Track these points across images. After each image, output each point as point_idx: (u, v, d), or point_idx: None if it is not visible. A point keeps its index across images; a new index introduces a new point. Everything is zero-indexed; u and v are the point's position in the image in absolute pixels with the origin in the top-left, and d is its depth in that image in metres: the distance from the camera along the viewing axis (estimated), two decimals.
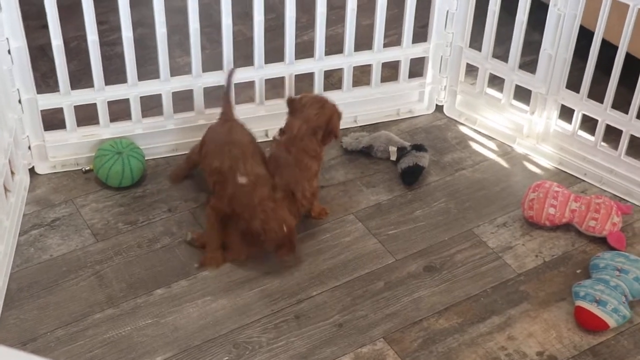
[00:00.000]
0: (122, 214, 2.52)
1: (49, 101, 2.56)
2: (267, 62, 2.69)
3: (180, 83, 2.65)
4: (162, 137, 2.71)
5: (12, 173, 2.48)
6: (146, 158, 2.64)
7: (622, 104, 2.55)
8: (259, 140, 2.73)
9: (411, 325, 2.24)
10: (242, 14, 3.00)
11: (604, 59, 2.53)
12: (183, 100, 2.70)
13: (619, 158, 2.60)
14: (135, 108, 2.64)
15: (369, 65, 2.81)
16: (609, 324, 2.21)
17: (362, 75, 2.91)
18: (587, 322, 2.22)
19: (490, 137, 2.84)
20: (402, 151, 2.69)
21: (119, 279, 2.33)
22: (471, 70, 2.86)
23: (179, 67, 3.00)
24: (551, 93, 2.66)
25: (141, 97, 2.63)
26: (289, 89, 2.75)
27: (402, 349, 2.18)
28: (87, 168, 2.65)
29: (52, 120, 2.64)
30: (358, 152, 2.76)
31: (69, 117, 2.60)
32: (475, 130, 2.87)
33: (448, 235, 2.49)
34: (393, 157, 2.70)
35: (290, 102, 2.50)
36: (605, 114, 2.57)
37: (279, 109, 2.64)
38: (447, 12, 2.74)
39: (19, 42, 2.40)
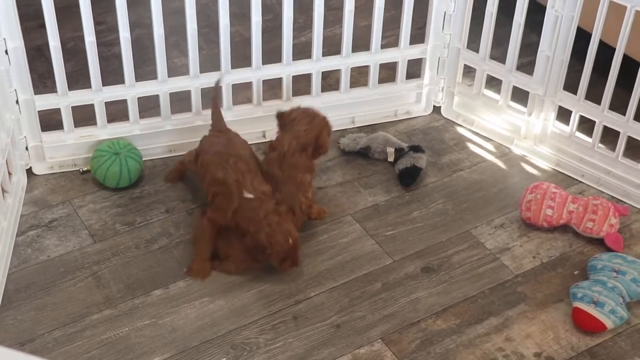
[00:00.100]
0: (120, 215, 2.52)
1: (46, 102, 2.56)
2: (264, 63, 2.69)
3: (178, 84, 2.65)
4: (160, 137, 2.71)
5: (10, 174, 2.48)
6: (144, 159, 2.64)
7: (619, 105, 2.55)
8: (257, 141, 2.74)
9: (409, 326, 2.24)
10: (240, 15, 3.00)
11: (602, 60, 2.53)
12: (180, 101, 2.70)
13: (617, 159, 2.60)
14: (132, 109, 2.63)
15: (367, 67, 2.81)
16: (607, 325, 2.21)
17: (359, 77, 2.91)
18: (584, 324, 2.23)
19: (488, 139, 2.84)
20: (399, 152, 2.69)
21: (116, 279, 2.33)
22: (469, 71, 2.86)
23: (177, 68, 3.00)
24: (549, 94, 2.66)
25: (139, 98, 2.63)
26: (287, 90, 2.75)
27: (399, 350, 2.18)
28: (85, 169, 2.64)
29: (50, 121, 2.64)
30: (355, 153, 2.76)
31: (67, 118, 2.59)
32: (473, 132, 2.87)
33: (445, 237, 2.49)
34: (390, 158, 2.70)
35: (280, 117, 2.50)
36: (603, 115, 2.57)
37: (276, 110, 2.63)
38: (445, 13, 2.74)
39: (16, 43, 2.39)
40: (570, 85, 2.62)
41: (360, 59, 2.79)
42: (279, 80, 2.74)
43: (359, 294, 2.32)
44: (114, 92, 2.60)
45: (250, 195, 2.28)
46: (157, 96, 2.64)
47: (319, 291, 2.32)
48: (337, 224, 2.52)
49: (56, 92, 2.55)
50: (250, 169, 2.35)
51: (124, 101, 2.62)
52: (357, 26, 2.73)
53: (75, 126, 2.63)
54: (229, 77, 2.67)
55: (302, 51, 2.88)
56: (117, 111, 2.68)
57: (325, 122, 2.48)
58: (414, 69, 2.88)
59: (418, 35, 2.84)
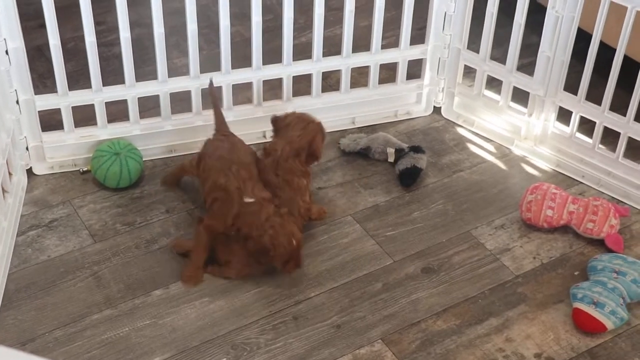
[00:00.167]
0: (120, 215, 2.52)
1: (46, 102, 2.56)
2: (264, 63, 2.69)
3: (178, 84, 2.65)
4: (160, 138, 2.71)
5: (10, 174, 2.48)
6: (144, 159, 2.64)
7: (620, 106, 2.55)
8: (257, 142, 2.74)
9: (409, 326, 2.24)
10: (240, 15, 3.00)
11: (602, 61, 2.53)
12: (181, 102, 2.70)
13: (617, 160, 2.60)
14: (132, 109, 2.63)
15: (367, 67, 2.81)
16: (607, 326, 2.21)
17: (360, 77, 2.90)
18: (584, 324, 2.23)
19: (488, 139, 2.84)
20: (399, 153, 2.69)
21: (116, 279, 2.33)
22: (469, 72, 2.86)
23: (177, 68, 3.00)
24: (549, 95, 2.66)
25: (139, 98, 2.63)
26: (287, 91, 2.75)
27: (400, 351, 2.18)
28: (85, 169, 2.64)
29: (50, 121, 2.64)
30: (356, 153, 2.76)
31: (67, 118, 2.59)
32: (473, 132, 2.87)
33: (446, 237, 2.49)
34: (391, 159, 2.70)
35: (275, 122, 2.50)
36: (603, 116, 2.57)
37: (276, 110, 2.64)
38: (445, 14, 2.74)
39: (17, 43, 2.39)
40: (571, 86, 2.62)
41: (361, 59, 2.79)
42: (279, 80, 2.74)
43: (359, 294, 2.32)
44: (114, 92, 2.60)
45: (250, 200, 2.28)
46: (157, 96, 2.64)
47: (319, 291, 2.32)
48: (338, 225, 2.52)
49: (56, 92, 2.55)
50: (252, 177, 2.34)
51: (124, 101, 2.62)
52: (358, 26, 2.73)
53: (76, 126, 2.63)
54: (230, 77, 2.67)
55: (302, 51, 2.88)
56: (117, 111, 2.68)
57: (320, 128, 2.48)
58: (414, 70, 2.88)
59: (418, 36, 2.84)
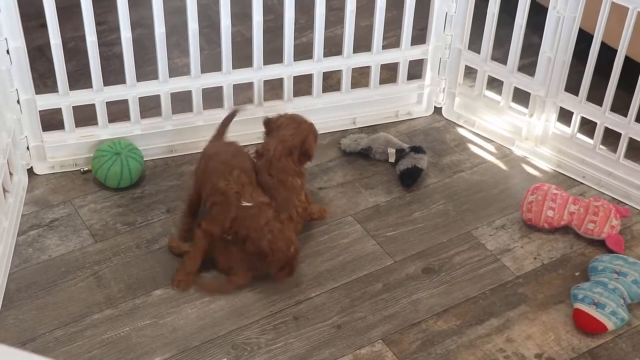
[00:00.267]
0: (121, 215, 2.52)
1: (47, 102, 2.56)
2: (265, 63, 2.69)
3: (179, 84, 2.65)
4: (161, 138, 2.71)
5: (11, 174, 2.48)
6: (145, 159, 2.64)
7: (620, 106, 2.55)
8: (258, 142, 2.73)
9: (410, 327, 2.24)
10: (241, 15, 3.00)
11: (603, 61, 2.53)
12: (181, 102, 2.70)
13: (618, 161, 2.60)
14: (133, 109, 2.63)
15: (368, 67, 2.81)
16: (607, 326, 2.21)
17: (360, 77, 2.91)
18: (585, 325, 2.23)
19: (489, 140, 2.84)
20: (400, 153, 2.69)
21: (117, 279, 2.33)
22: (470, 72, 2.86)
23: (178, 68, 3.00)
24: (550, 96, 2.66)
25: (140, 98, 2.63)
26: (288, 91, 2.75)
27: (400, 351, 2.18)
28: (86, 169, 2.64)
29: (51, 120, 2.64)
30: (356, 153, 2.76)
31: (68, 118, 2.60)
32: (474, 133, 2.87)
33: (446, 237, 2.49)
34: (391, 159, 2.70)
35: (267, 123, 2.50)
36: (604, 116, 2.57)
37: (277, 110, 2.63)
38: (446, 14, 2.74)
39: (18, 42, 2.40)
40: (572, 86, 2.62)
41: (362, 59, 2.79)
42: (280, 80, 2.74)
43: (360, 294, 2.32)
44: (115, 92, 2.61)
45: (248, 204, 2.27)
46: (158, 96, 2.64)
47: (320, 292, 2.32)
48: (338, 225, 2.52)
49: (57, 91, 2.55)
50: (252, 182, 2.34)
51: (125, 101, 2.62)
52: (359, 27, 2.73)
53: (76, 126, 2.63)
54: (230, 77, 2.67)
55: (303, 52, 2.88)
56: (118, 111, 2.68)
57: (312, 128, 2.47)
58: (415, 70, 2.88)
59: (419, 36, 2.84)
